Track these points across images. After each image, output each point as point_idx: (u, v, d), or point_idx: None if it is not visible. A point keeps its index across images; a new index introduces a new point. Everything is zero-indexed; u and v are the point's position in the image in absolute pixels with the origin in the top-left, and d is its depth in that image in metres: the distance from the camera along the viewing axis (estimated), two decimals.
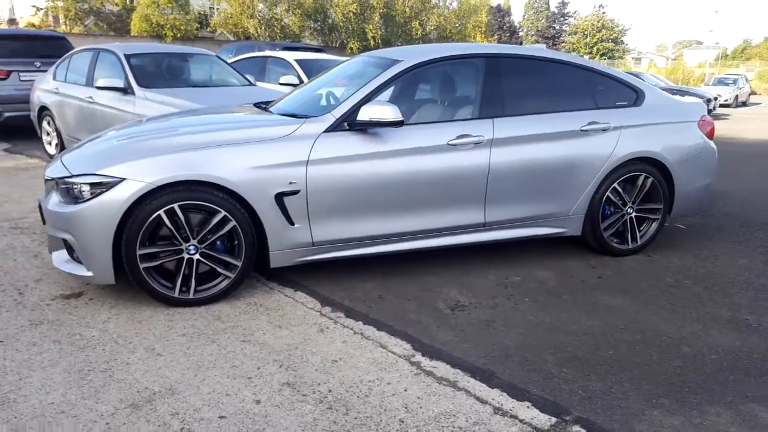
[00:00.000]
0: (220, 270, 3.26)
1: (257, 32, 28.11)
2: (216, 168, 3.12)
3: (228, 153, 3.18)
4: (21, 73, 8.69)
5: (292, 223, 3.32)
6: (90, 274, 3.11)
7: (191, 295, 3.21)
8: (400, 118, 3.32)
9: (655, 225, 4.24)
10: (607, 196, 4.02)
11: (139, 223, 3.03)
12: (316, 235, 3.39)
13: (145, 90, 6.14)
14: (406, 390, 2.48)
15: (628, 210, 4.12)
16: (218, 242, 3.25)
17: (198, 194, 3.11)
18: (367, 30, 29.06)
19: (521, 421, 2.28)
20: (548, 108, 3.94)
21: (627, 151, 3.98)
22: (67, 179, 3.12)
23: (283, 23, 28.86)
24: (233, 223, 3.19)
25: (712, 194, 5.21)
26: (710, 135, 4.40)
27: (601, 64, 4.34)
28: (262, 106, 4.23)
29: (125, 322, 3.05)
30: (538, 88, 4.04)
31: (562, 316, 3.23)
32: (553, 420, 2.29)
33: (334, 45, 30.25)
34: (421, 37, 30.94)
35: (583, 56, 12.09)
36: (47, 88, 7.53)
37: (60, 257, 3.25)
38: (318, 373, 2.59)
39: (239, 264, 3.26)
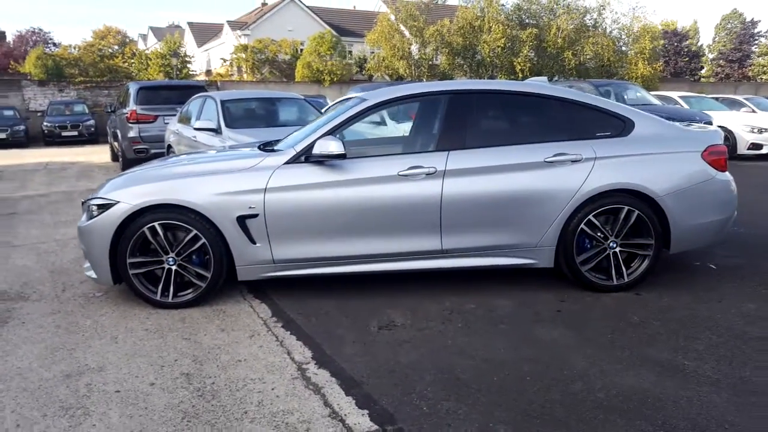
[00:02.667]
0: (194, 280, 3.86)
1: (406, 73, 29.60)
2: (187, 194, 3.75)
3: (198, 182, 3.81)
4: (165, 117, 10.42)
5: (254, 242, 3.82)
6: (96, 276, 3.90)
7: (170, 299, 3.85)
8: (342, 152, 3.69)
9: (646, 261, 4.00)
10: (582, 228, 3.92)
11: (128, 236, 3.75)
12: (276, 253, 3.85)
13: (230, 130, 7.15)
14: (273, 389, 2.81)
15: (611, 244, 3.97)
16: (194, 256, 3.86)
17: (174, 215, 3.76)
18: (515, 63, 29.07)
19: (345, 424, 2.49)
20: (512, 141, 4.00)
21: (601, 182, 3.87)
22: (87, 201, 3.97)
23: (431, 63, 30.03)
24: (203, 240, 3.78)
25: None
26: (720, 166, 4.06)
27: (586, 95, 4.25)
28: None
29: (116, 316, 3.77)
30: (503, 122, 4.12)
31: (479, 343, 3.29)
32: (374, 428, 2.47)
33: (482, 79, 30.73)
34: (574, 68, 30.13)
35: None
36: (172, 129, 9.01)
37: (86, 264, 4.10)
38: (216, 369, 3.03)
39: (209, 276, 3.84)
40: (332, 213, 3.82)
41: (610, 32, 31.90)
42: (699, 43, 51.62)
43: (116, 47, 45.40)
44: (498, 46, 28.79)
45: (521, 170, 3.88)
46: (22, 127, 19.39)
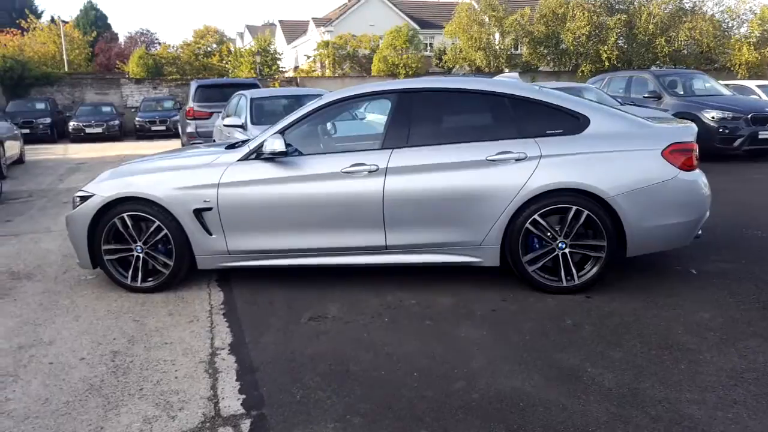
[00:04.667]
0: (159, 268, 4.20)
1: (484, 64, 29.14)
2: (150, 188, 4.09)
3: (161, 177, 4.14)
4: (219, 114, 11.05)
5: (210, 234, 4.09)
6: (78, 261, 4.34)
7: (139, 284, 4.22)
8: (284, 150, 3.89)
9: (599, 264, 3.86)
10: (527, 228, 3.85)
11: (102, 225, 4.15)
12: (230, 245, 4.11)
13: (255, 126, 7.52)
14: (176, 371, 3.06)
15: (560, 245, 3.87)
16: (159, 245, 4.20)
17: (139, 207, 4.11)
18: (601, 52, 27.76)
19: (216, 407, 2.69)
20: (457, 139, 4.00)
21: (545, 181, 3.78)
22: (74, 194, 4.43)
23: (509, 53, 29.36)
24: (165, 231, 4.11)
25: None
26: (685, 165, 3.83)
27: (541, 91, 4.12)
28: None
29: (92, 298, 4.19)
30: (450, 120, 4.12)
31: (393, 339, 3.36)
32: (240, 412, 2.65)
33: (566, 69, 29.66)
34: (667, 55, 28.32)
35: None
36: (216, 124, 9.58)
37: None
38: (143, 350, 3.32)
39: (172, 264, 4.16)
40: (280, 208, 4.01)
41: (712, 15, 29.59)
42: None
43: (214, 46, 48.01)
44: (582, 34, 27.65)
45: (462, 168, 3.87)
46: (117, 122, 21.13)
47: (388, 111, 4.11)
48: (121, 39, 50.04)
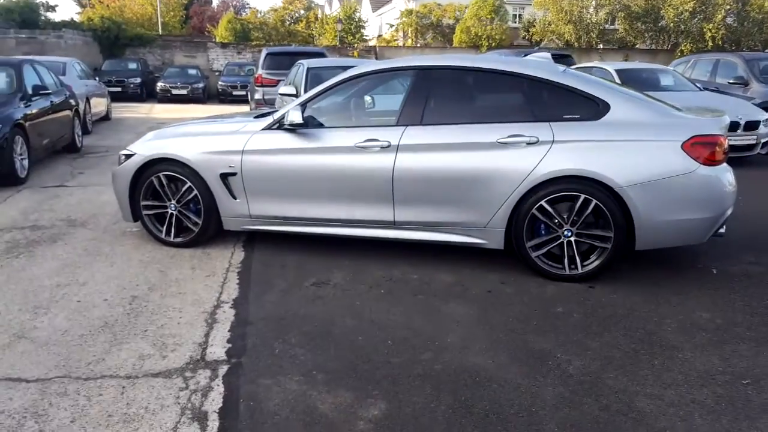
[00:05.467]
0: (189, 225, 4.56)
1: (573, 38, 27.97)
2: (184, 151, 4.42)
3: (194, 141, 4.46)
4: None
5: (234, 198, 4.39)
6: (122, 214, 4.78)
7: (172, 239, 4.60)
8: (300, 121, 4.09)
9: (605, 255, 3.83)
10: (533, 213, 3.87)
11: (141, 183, 4.55)
12: (252, 209, 4.39)
13: None
14: (181, 317, 3.39)
15: (565, 232, 3.86)
16: (191, 205, 4.55)
17: (173, 168, 4.46)
18: (705, 30, 25.85)
19: (204, 351, 2.99)
20: (472, 119, 4.04)
21: (555, 167, 3.76)
22: (119, 152, 4.85)
23: (602, 27, 27.99)
24: (195, 192, 4.45)
25: None
26: (708, 159, 3.69)
27: (564, 73, 4.03)
28: None
29: (130, 247, 4.63)
30: (466, 100, 4.14)
31: (382, 308, 3.53)
32: (222, 358, 2.93)
33: (664, 47, 27.98)
34: None
35: None
36: (278, 92, 9.92)
37: None
38: (159, 297, 3.68)
39: (200, 222, 4.51)
40: (297, 177, 4.23)
41: None
42: None
43: (302, 12, 48.74)
44: (686, 10, 25.87)
45: (473, 149, 3.92)
46: (201, 85, 22.13)
47: (405, 86, 4.20)
48: (215, 2, 51.83)
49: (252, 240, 4.76)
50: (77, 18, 31.27)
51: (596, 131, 3.79)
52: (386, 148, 4.04)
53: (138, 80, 21.66)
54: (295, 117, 4.11)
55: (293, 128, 4.21)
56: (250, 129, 4.37)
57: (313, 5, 53.63)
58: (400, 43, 33.76)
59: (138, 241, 4.74)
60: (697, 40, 26.39)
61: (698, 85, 9.72)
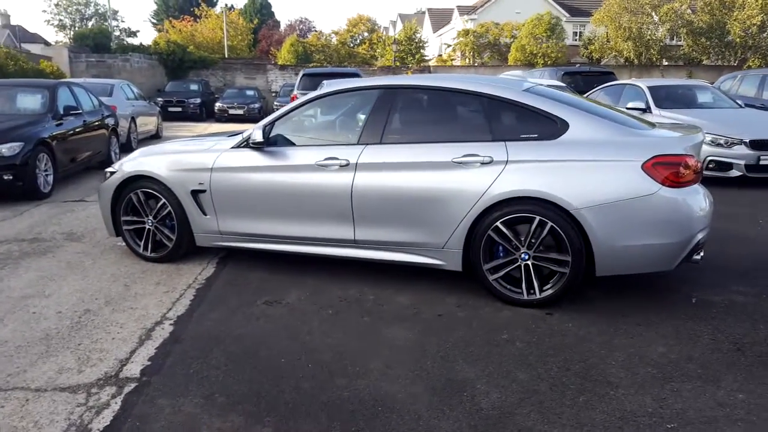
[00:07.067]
0: (165, 241, 4.67)
1: (633, 55, 27.02)
2: (157, 168, 4.54)
3: (168, 158, 4.57)
4: None
5: (205, 214, 4.46)
6: (106, 228, 4.96)
7: (149, 254, 4.72)
8: (260, 140, 4.11)
9: (564, 280, 3.60)
10: (489, 235, 3.69)
11: (122, 199, 4.70)
12: (221, 226, 4.44)
13: (324, 116, 7.86)
14: (118, 333, 3.43)
15: (522, 255, 3.66)
16: (167, 221, 4.65)
17: (149, 184, 4.59)
18: None
19: (122, 367, 3.01)
20: (430, 138, 3.93)
21: (508, 188, 3.59)
22: (105, 169, 5.04)
23: (663, 44, 26.90)
24: (169, 208, 4.55)
25: None
26: (671, 180, 3.41)
27: (525, 92, 3.84)
28: None
29: (111, 262, 4.77)
30: (425, 119, 4.03)
31: (318, 330, 3.45)
32: (134, 376, 2.93)
33: (729, 63, 26.58)
34: None
35: None
36: None
37: None
38: (109, 311, 3.75)
39: (174, 238, 4.60)
40: (262, 195, 4.24)
41: None
42: None
43: (365, 34, 49.66)
44: (753, 24, 24.51)
45: (429, 169, 3.80)
46: (257, 105, 22.87)
47: (368, 105, 4.14)
48: (282, 27, 53.72)
49: (228, 257, 4.81)
50: None
51: (553, 151, 3.59)
52: (345, 166, 3.98)
53: (198, 101, 22.65)
54: (257, 135, 4.14)
55: (258, 146, 4.23)
56: (220, 147, 4.44)
57: (376, 27, 54.61)
58: (457, 63, 33.68)
59: (119, 256, 4.88)
60: (767, 55, 24.90)
61: (739, 102, 9.10)
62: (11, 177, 6.60)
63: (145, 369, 3.00)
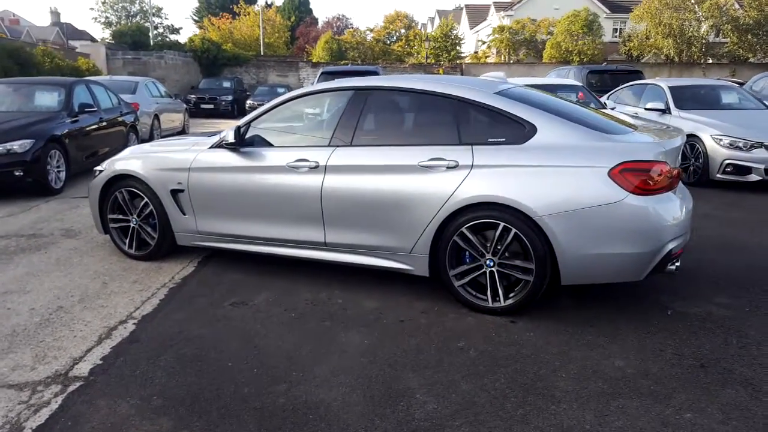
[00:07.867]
0: (148, 240, 4.74)
1: (673, 52, 26.15)
2: (140, 167, 4.61)
3: (151, 158, 4.64)
4: None
5: (184, 213, 4.51)
6: (95, 227, 5.07)
7: (134, 252, 4.81)
8: (232, 141, 4.13)
9: (528, 288, 3.49)
10: (454, 240, 3.61)
11: (108, 197, 4.80)
12: (199, 225, 4.48)
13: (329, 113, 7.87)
14: (81, 331, 3.49)
15: (487, 262, 3.57)
16: (150, 219, 4.73)
17: (132, 183, 4.67)
18: None
19: (73, 366, 3.06)
20: (399, 141, 3.87)
21: (472, 193, 3.50)
22: (95, 167, 5.15)
23: (705, 41, 25.93)
24: (151, 207, 4.62)
25: None
26: (638, 188, 3.26)
27: (496, 95, 3.72)
28: None
29: (98, 259, 4.88)
30: (396, 121, 3.98)
31: (275, 333, 3.44)
32: (82, 375, 2.98)
33: None
34: None
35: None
36: None
37: None
38: (81, 309, 3.83)
39: (156, 237, 4.67)
40: (236, 195, 4.26)
41: None
42: None
43: (402, 31, 49.52)
44: None
45: (395, 172, 3.74)
46: None
47: (341, 107, 4.11)
48: (320, 24, 54.06)
49: (211, 256, 4.85)
50: None
51: (519, 156, 3.49)
52: (315, 168, 3.96)
53: (230, 98, 23.01)
54: (230, 137, 4.17)
55: (232, 147, 4.25)
56: (199, 147, 4.48)
57: (413, 24, 54.37)
58: (492, 60, 33.26)
59: (108, 253, 4.98)
60: None
61: (766, 102, 8.68)
62: (22, 173, 6.82)
63: (94, 368, 3.05)
